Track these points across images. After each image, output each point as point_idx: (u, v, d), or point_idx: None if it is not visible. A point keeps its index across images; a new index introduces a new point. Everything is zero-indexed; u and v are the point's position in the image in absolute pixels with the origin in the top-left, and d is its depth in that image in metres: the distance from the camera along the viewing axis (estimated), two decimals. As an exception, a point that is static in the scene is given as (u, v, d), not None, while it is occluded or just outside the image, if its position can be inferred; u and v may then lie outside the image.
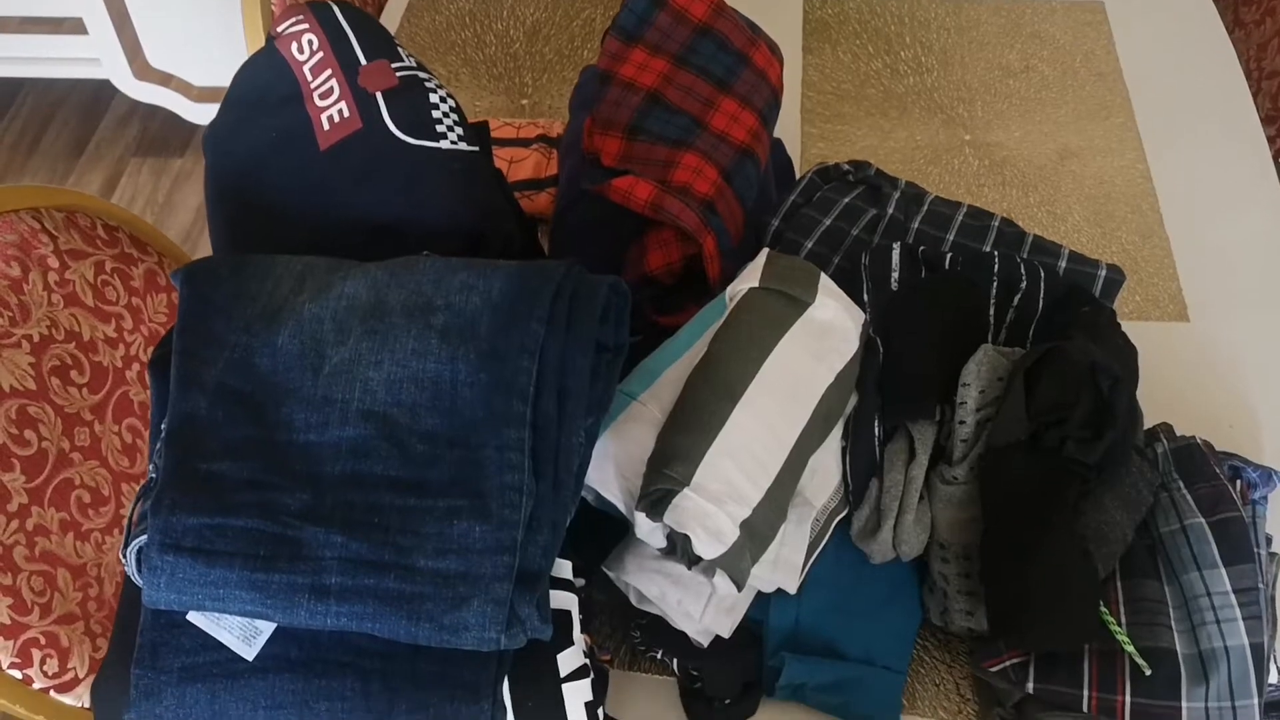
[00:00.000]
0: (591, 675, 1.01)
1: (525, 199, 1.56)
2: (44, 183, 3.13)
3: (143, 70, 3.06)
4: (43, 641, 1.20)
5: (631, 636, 1.16)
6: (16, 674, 1.19)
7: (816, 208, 1.40)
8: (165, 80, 3.09)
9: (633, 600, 1.12)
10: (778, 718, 1.15)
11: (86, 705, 1.25)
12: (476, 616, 0.90)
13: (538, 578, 0.93)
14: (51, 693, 1.22)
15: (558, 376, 0.98)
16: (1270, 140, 2.08)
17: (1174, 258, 1.52)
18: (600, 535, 1.13)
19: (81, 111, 3.42)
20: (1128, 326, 1.22)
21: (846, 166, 1.46)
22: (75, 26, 3.00)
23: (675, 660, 1.14)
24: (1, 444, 1.20)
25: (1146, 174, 1.63)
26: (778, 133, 1.55)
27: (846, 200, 1.41)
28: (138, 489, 1.04)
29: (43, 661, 1.20)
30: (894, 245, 1.26)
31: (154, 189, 3.19)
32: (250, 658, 0.95)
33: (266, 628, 0.96)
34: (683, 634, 1.10)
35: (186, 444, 0.97)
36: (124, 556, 0.96)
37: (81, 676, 1.24)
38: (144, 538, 0.94)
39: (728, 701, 1.14)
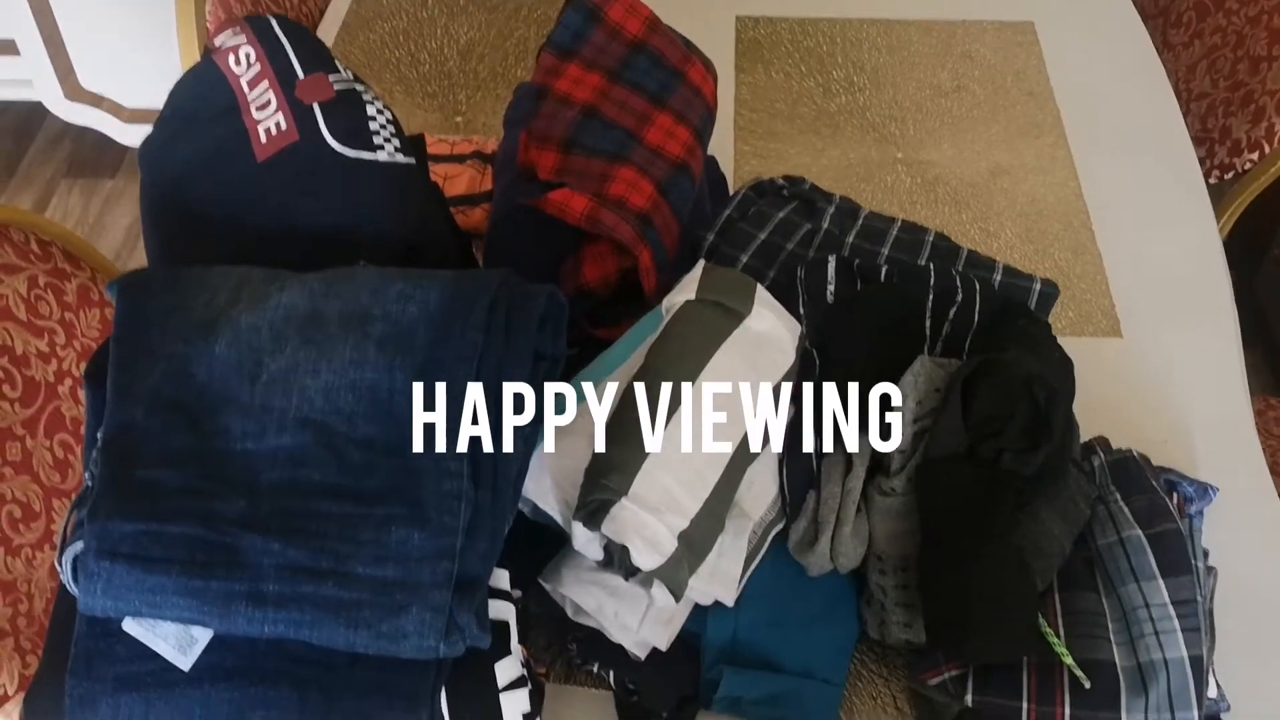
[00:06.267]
0: (530, 686, 1.00)
1: (460, 214, 1.55)
2: (-26, 204, 3.08)
3: (74, 91, 3.03)
4: (-28, 659, 1.19)
5: (568, 649, 1.15)
6: (-53, 691, 1.17)
7: (751, 222, 1.40)
8: (96, 101, 3.06)
9: (569, 613, 1.11)
10: (715, 731, 1.15)
11: (17, 722, 1.23)
12: (415, 624, 0.90)
13: (476, 585, 0.94)
14: (-18, 710, 1.21)
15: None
16: (1200, 161, 2.11)
17: (1106, 274, 1.53)
18: (537, 548, 1.12)
19: (12, 133, 3.38)
20: (1061, 342, 1.22)
21: (781, 181, 1.46)
22: (7, 48, 2.96)
23: (612, 673, 1.13)
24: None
25: (1078, 191, 1.65)
26: (712, 150, 1.54)
27: (781, 215, 1.41)
28: (71, 501, 1.03)
29: (-28, 679, 1.19)
30: (830, 258, 1.26)
31: (84, 210, 3.15)
32: (186, 668, 0.94)
33: (203, 637, 0.95)
34: (620, 646, 1.10)
35: (123, 452, 0.97)
36: (60, 565, 0.96)
37: (11, 693, 1.23)
38: (80, 545, 0.94)
39: (665, 715, 1.13)
